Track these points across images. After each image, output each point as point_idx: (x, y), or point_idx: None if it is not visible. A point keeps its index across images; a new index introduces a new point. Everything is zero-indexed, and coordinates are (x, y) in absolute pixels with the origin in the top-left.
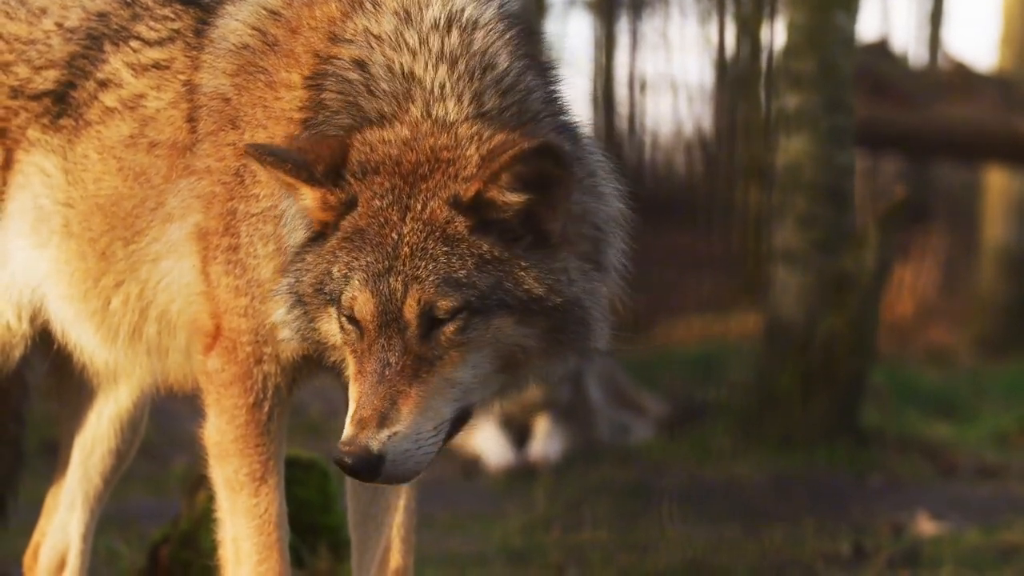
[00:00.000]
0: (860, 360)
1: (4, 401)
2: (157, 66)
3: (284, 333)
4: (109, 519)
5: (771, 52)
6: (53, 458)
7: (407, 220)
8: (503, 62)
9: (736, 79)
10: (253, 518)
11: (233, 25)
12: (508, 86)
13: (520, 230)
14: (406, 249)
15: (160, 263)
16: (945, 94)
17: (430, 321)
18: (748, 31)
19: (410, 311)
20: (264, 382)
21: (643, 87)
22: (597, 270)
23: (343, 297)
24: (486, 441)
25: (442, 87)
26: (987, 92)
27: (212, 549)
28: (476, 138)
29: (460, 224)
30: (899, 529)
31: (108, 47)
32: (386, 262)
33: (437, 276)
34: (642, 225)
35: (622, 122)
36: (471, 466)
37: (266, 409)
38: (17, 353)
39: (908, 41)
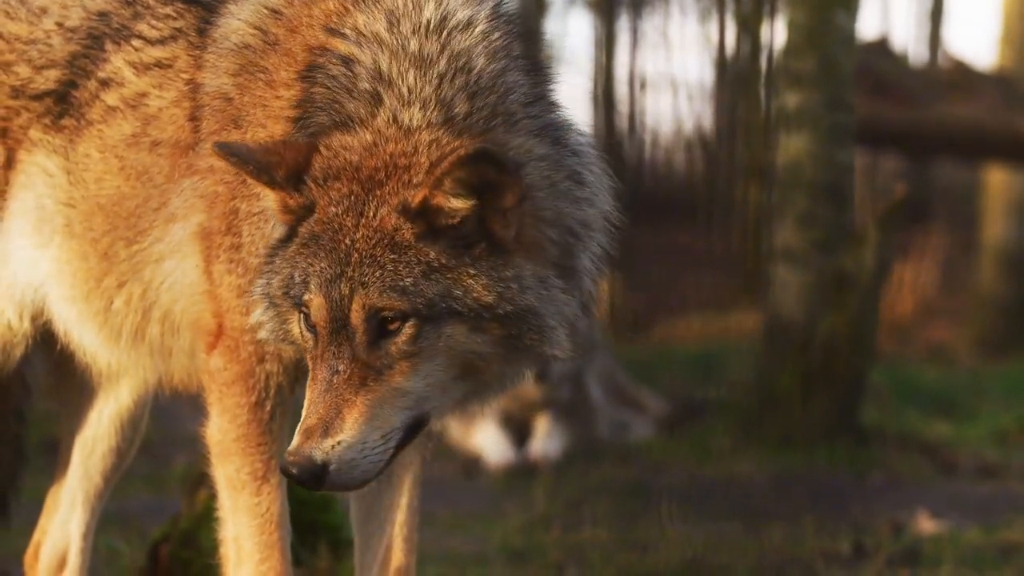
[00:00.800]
0: (860, 359)
1: (5, 399)
2: (159, 65)
3: (261, 334)
4: (110, 517)
5: (771, 51)
6: (54, 456)
7: (360, 227)
8: (479, 64)
9: (736, 78)
10: (255, 517)
11: (235, 24)
12: (481, 88)
13: (473, 237)
14: (356, 256)
15: (163, 263)
16: (945, 93)
17: (377, 329)
18: (748, 30)
19: (356, 317)
20: (266, 381)
21: (643, 86)
22: (563, 276)
23: (302, 301)
24: (486, 440)
25: (410, 92)
26: (987, 91)
27: (213, 548)
28: (434, 144)
29: (408, 231)
30: (899, 528)
31: (109, 46)
32: (338, 268)
33: (383, 283)
34: (642, 224)
35: (622, 121)
36: (471, 465)
37: (268, 408)
38: (18, 352)
39: (908, 40)
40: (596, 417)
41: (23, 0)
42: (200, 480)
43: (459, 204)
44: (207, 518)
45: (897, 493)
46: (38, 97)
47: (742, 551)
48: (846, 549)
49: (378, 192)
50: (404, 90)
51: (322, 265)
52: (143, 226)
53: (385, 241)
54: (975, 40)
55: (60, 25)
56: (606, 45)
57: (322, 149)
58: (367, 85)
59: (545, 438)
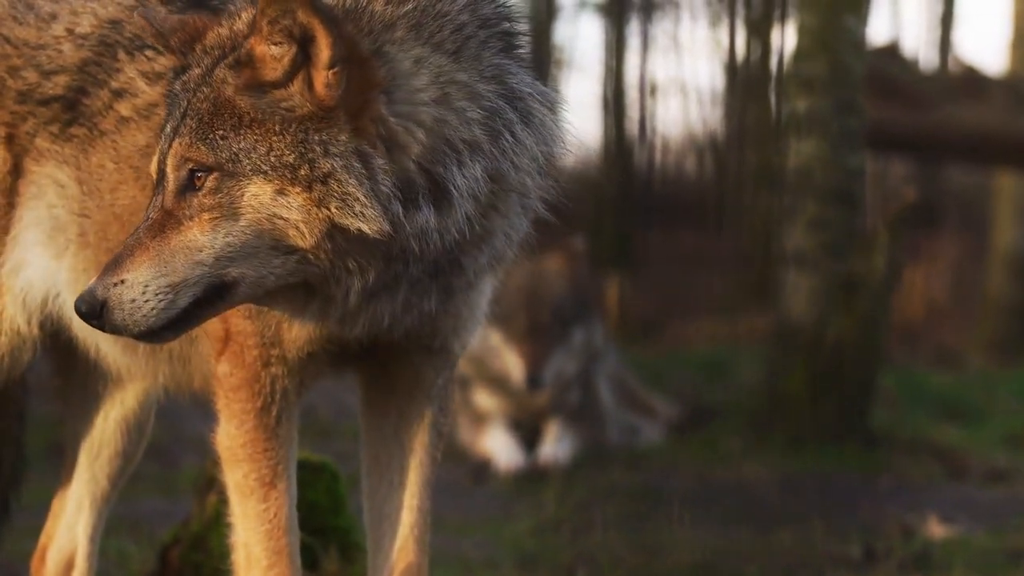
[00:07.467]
0: (870, 362)
1: (10, 402)
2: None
3: None
4: (119, 520)
5: (781, 55)
6: (59, 460)
7: (202, 85)
8: None
9: (746, 82)
10: (263, 523)
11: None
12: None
13: (297, 98)
14: (187, 111)
15: None
16: (955, 97)
17: (185, 180)
18: (758, 34)
19: (169, 167)
20: (272, 385)
21: (653, 90)
22: (429, 183)
23: None
24: (496, 444)
25: None
26: (997, 95)
27: (223, 551)
28: None
29: (232, 84)
30: (909, 532)
31: (122, 55)
32: (174, 123)
33: (194, 134)
34: (652, 228)
35: (632, 125)
36: (481, 469)
37: (274, 413)
38: (26, 358)
39: (918, 44)
40: (606, 421)
41: (31, 5)
42: (210, 483)
43: (278, 51)
44: (217, 522)
45: (907, 497)
46: (45, 102)
47: (752, 554)
48: (856, 553)
49: (232, 53)
50: None
51: (167, 122)
52: None
53: (213, 96)
54: (985, 45)
55: (70, 31)
56: (616, 49)
57: (223, 21)
58: None
59: (555, 442)
